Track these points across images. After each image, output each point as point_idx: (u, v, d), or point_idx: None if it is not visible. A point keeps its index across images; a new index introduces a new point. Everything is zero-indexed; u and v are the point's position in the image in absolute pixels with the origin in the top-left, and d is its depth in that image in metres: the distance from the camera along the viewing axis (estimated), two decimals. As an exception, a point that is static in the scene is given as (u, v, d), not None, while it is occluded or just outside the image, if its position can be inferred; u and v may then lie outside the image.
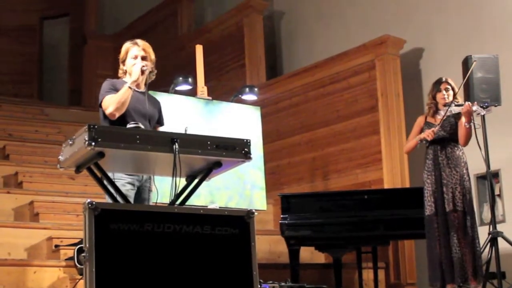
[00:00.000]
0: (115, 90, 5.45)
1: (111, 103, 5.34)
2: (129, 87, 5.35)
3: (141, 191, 5.55)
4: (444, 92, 7.15)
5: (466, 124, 6.89)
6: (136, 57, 5.58)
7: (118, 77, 5.75)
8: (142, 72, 5.45)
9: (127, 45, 5.69)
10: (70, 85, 15.58)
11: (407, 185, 8.91)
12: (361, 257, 8.37)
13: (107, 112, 5.35)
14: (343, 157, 9.73)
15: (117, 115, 5.33)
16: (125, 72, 5.69)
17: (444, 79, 7.22)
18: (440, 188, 6.97)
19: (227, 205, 7.46)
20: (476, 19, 9.10)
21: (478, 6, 9.12)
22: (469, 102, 6.87)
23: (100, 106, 5.45)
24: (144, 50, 5.63)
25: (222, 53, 11.92)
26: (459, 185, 6.92)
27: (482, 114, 6.93)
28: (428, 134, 7.02)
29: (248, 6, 11.59)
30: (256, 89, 8.61)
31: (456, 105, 6.99)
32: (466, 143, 7.00)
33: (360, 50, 9.68)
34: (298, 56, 11.76)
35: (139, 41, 5.69)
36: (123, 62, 5.68)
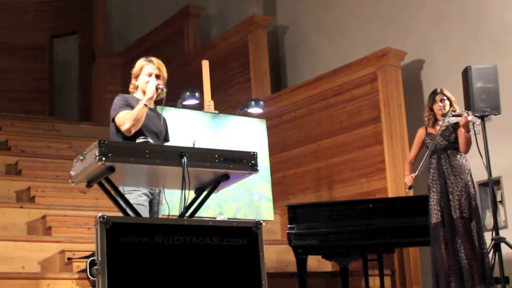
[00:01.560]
0: (128, 105, 5.45)
1: (127, 119, 5.33)
2: (145, 105, 5.34)
3: (152, 204, 5.54)
4: (439, 103, 7.16)
5: (466, 134, 6.91)
6: (150, 75, 5.58)
7: (128, 92, 5.75)
8: (157, 89, 5.43)
9: (141, 62, 5.68)
10: (80, 101, 15.61)
11: (411, 193, 8.88)
12: (367, 264, 8.33)
13: (123, 128, 5.33)
14: (347, 167, 9.71)
15: (133, 131, 5.33)
16: (136, 88, 5.68)
17: (439, 90, 7.24)
18: (446, 196, 6.96)
19: (236, 216, 7.44)
20: (474, 31, 9.10)
21: (476, 18, 9.12)
22: (466, 113, 6.86)
23: (113, 120, 5.45)
24: (158, 68, 5.63)
25: (228, 68, 11.92)
26: (465, 193, 6.91)
27: (477, 123, 6.91)
28: (408, 180, 7.22)
29: (252, 22, 11.61)
30: (261, 102, 8.59)
31: (453, 115, 6.98)
32: (467, 151, 7.03)
33: (362, 62, 9.68)
34: (301, 70, 11.76)
35: (154, 59, 5.68)
36: (136, 77, 5.67)
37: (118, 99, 5.56)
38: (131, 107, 5.44)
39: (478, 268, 6.75)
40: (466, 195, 6.91)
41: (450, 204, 6.92)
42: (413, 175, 7.16)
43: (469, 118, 6.84)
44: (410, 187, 7.25)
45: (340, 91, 9.98)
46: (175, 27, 13.65)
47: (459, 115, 6.94)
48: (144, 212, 5.32)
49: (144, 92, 5.56)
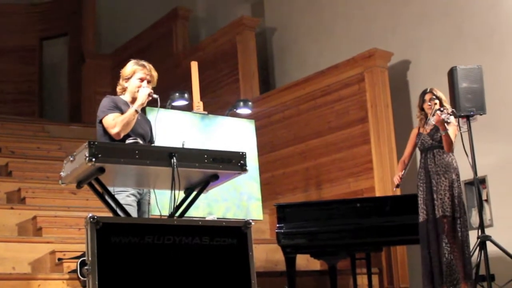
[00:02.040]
0: (116, 108, 5.44)
1: (117, 123, 5.34)
2: (136, 110, 5.34)
3: (141, 204, 5.55)
4: (428, 102, 7.18)
5: (442, 132, 6.94)
6: (142, 80, 5.58)
7: (116, 94, 5.74)
8: (148, 96, 5.42)
9: (134, 66, 5.66)
10: (70, 102, 15.59)
11: (398, 192, 8.90)
12: (355, 263, 8.36)
13: (113, 131, 5.33)
14: (335, 167, 9.73)
15: (122, 135, 5.33)
16: (124, 89, 5.67)
17: (428, 90, 7.27)
18: (430, 195, 7.00)
19: (225, 216, 7.43)
20: (458, 31, 9.14)
21: (461, 19, 9.15)
22: (439, 112, 6.87)
23: (100, 122, 5.44)
24: (150, 73, 5.63)
25: (217, 69, 11.92)
26: (448, 191, 6.94)
27: (449, 121, 6.91)
28: (395, 179, 7.31)
29: (241, 23, 11.62)
30: (250, 103, 8.60)
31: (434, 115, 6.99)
32: (449, 149, 7.02)
33: (349, 63, 9.71)
34: (289, 71, 11.78)
35: (146, 64, 5.69)
36: (126, 79, 5.65)
37: (106, 101, 5.55)
38: (120, 109, 5.44)
39: (462, 266, 6.79)
40: (450, 194, 6.93)
41: (434, 203, 6.96)
42: (400, 174, 7.20)
43: (442, 116, 6.84)
44: (397, 186, 7.29)
45: (328, 91, 10.00)
46: (164, 29, 13.65)
47: (451, 114, 6.95)
48: (133, 212, 5.32)
49: (133, 96, 5.56)
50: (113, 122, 5.36)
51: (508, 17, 8.65)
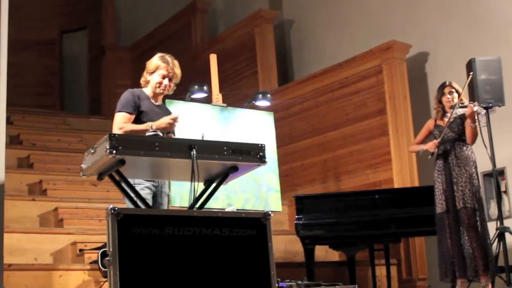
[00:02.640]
0: (135, 104, 5.43)
1: (125, 128, 5.35)
2: (149, 128, 5.31)
3: (157, 196, 5.55)
4: (448, 95, 7.16)
5: (471, 124, 6.91)
6: (164, 77, 5.58)
7: (139, 85, 5.74)
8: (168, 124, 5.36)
9: (158, 61, 5.66)
10: (90, 95, 15.63)
11: (416, 184, 8.90)
12: (374, 254, 8.36)
13: (115, 131, 5.35)
14: (353, 159, 9.72)
15: None
16: (147, 82, 5.67)
17: (447, 83, 7.23)
18: (450, 186, 6.97)
19: (244, 208, 7.44)
20: (478, 24, 9.09)
21: (480, 12, 9.10)
22: (472, 104, 6.86)
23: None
24: (173, 69, 5.63)
25: (235, 62, 11.92)
26: (469, 183, 6.92)
27: (482, 113, 6.90)
28: (430, 146, 7.14)
29: (259, 16, 11.61)
30: (268, 95, 8.59)
31: (461, 107, 6.99)
32: (473, 141, 7.03)
33: (367, 55, 9.68)
34: (308, 63, 11.76)
35: (170, 59, 5.68)
36: (150, 73, 5.66)
37: (126, 95, 5.57)
38: (136, 106, 5.44)
39: (482, 257, 6.77)
40: (470, 186, 6.92)
41: (454, 195, 6.93)
42: (435, 141, 7.10)
43: (475, 108, 6.84)
44: (432, 154, 7.15)
45: (346, 83, 9.98)
46: (183, 21, 13.65)
47: (466, 107, 6.94)
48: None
49: (154, 91, 5.58)
50: (121, 123, 5.40)
51: (526, 9, 8.61)
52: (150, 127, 5.30)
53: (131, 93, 5.57)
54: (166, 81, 5.60)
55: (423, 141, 7.38)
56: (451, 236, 6.90)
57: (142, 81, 5.74)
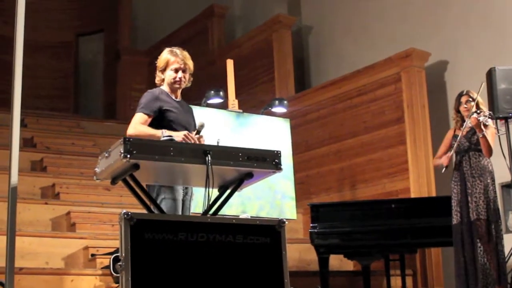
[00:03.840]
0: (155, 106, 5.42)
1: (140, 131, 5.26)
2: (163, 136, 5.23)
3: (185, 201, 5.49)
4: (465, 104, 7.12)
5: (479, 134, 6.86)
6: (177, 71, 5.55)
7: (155, 86, 5.71)
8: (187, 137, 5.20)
9: (167, 55, 5.58)
10: (105, 99, 15.68)
11: (433, 194, 8.89)
12: (389, 264, 8.34)
13: (128, 131, 5.30)
14: (370, 167, 9.72)
15: None
16: (162, 80, 5.62)
17: (465, 92, 7.20)
18: (465, 197, 6.95)
19: (258, 215, 7.46)
20: (499, 33, 9.07)
21: (501, 20, 9.09)
22: (476, 114, 6.81)
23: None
24: (184, 61, 5.59)
25: (252, 67, 11.94)
26: (483, 195, 6.88)
27: (488, 123, 6.85)
28: (443, 161, 7.11)
29: (277, 21, 11.63)
30: (285, 102, 8.61)
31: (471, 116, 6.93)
32: (488, 153, 6.92)
33: (386, 63, 9.68)
34: (325, 69, 11.77)
35: (179, 52, 5.58)
36: (162, 71, 5.62)
37: (147, 97, 5.49)
38: (159, 107, 5.41)
39: (496, 269, 6.75)
40: (485, 197, 6.88)
41: (468, 206, 6.91)
42: (449, 154, 7.09)
43: (480, 118, 6.77)
44: (446, 167, 7.13)
45: (364, 91, 9.98)
46: (200, 26, 13.69)
47: (487, 116, 6.90)
48: (178, 208, 5.31)
49: (171, 88, 5.55)
50: (136, 124, 5.34)
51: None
52: (161, 136, 5.12)
53: (151, 94, 5.49)
54: (180, 74, 5.51)
55: (446, 153, 7.32)
56: (464, 247, 6.89)
57: (157, 80, 5.67)
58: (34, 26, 14.62)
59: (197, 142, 5.09)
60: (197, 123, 5.39)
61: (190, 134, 5.14)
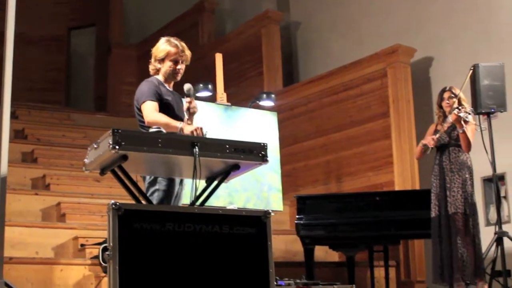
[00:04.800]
0: (157, 94, 5.39)
1: (159, 121, 5.15)
2: (179, 127, 5.14)
3: (178, 193, 5.50)
4: (447, 100, 7.16)
5: (459, 130, 6.89)
6: (177, 63, 5.53)
7: (148, 75, 5.66)
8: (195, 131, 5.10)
9: (167, 46, 5.55)
10: (96, 92, 15.65)
11: (417, 187, 8.93)
12: (373, 255, 8.39)
13: (146, 119, 5.26)
14: (356, 161, 9.75)
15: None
16: (158, 70, 5.58)
17: (447, 88, 7.25)
18: (443, 191, 7.01)
19: (245, 206, 7.48)
20: (483, 29, 9.10)
21: (485, 17, 9.12)
22: (456, 110, 6.84)
23: (140, 106, 5.38)
24: (184, 53, 5.57)
25: (241, 62, 11.95)
26: (461, 189, 6.94)
27: (468, 119, 6.88)
28: (429, 141, 7.12)
29: (266, 17, 11.64)
30: (273, 96, 8.64)
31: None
32: (466, 147, 6.97)
33: (372, 58, 9.71)
34: (313, 64, 11.78)
35: (179, 43, 5.57)
36: (160, 61, 5.57)
37: (148, 85, 5.45)
38: (161, 95, 5.41)
39: (473, 262, 6.80)
40: (463, 191, 6.94)
41: (447, 200, 6.96)
42: (434, 136, 7.10)
43: (461, 114, 6.80)
44: (431, 149, 7.10)
45: (351, 86, 10.01)
46: (190, 21, 13.68)
47: (469, 113, 6.93)
48: (170, 200, 5.32)
49: (166, 78, 5.54)
50: (155, 113, 5.29)
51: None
52: (180, 129, 5.12)
53: (151, 83, 5.47)
54: (179, 65, 5.52)
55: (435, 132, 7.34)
56: (442, 240, 6.94)
57: (151, 69, 5.62)
58: (26, 20, 14.58)
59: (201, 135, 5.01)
60: (185, 87, 5.39)
61: (201, 129, 5.06)
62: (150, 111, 5.30)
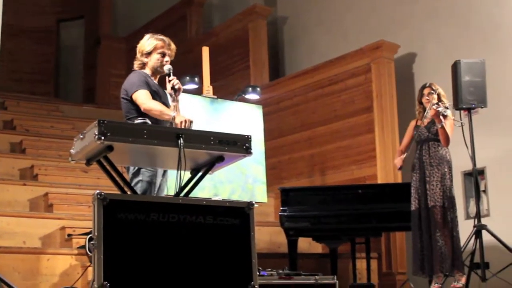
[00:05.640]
0: (147, 84, 5.45)
1: (153, 107, 5.30)
2: (172, 116, 5.22)
3: (161, 184, 5.55)
4: (427, 96, 7.21)
5: (438, 125, 6.96)
6: (164, 55, 5.58)
7: (133, 70, 5.69)
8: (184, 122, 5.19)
9: (154, 41, 5.63)
10: (84, 84, 15.62)
11: (399, 180, 8.96)
12: (355, 247, 8.41)
13: (144, 106, 5.32)
14: (340, 154, 9.78)
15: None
16: (144, 64, 5.64)
17: (427, 84, 7.30)
18: (423, 185, 7.08)
19: (230, 198, 7.50)
20: (465, 26, 9.15)
21: (467, 15, 9.17)
22: (435, 105, 6.91)
23: (131, 96, 5.42)
24: (169, 47, 5.65)
25: (229, 55, 11.95)
26: (440, 183, 7.01)
27: (446, 114, 6.95)
28: (397, 162, 7.35)
29: (253, 11, 11.64)
30: (258, 89, 8.67)
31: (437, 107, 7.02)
32: (445, 142, 7.04)
33: (357, 54, 9.73)
34: (299, 59, 11.80)
35: (165, 38, 5.67)
36: (147, 55, 5.62)
37: (137, 76, 5.52)
38: (150, 86, 5.44)
39: (450, 254, 6.85)
40: (442, 185, 7.00)
41: (426, 193, 7.02)
42: (402, 156, 7.27)
43: (439, 109, 6.88)
44: (400, 168, 7.31)
45: (335, 80, 10.03)
46: (179, 14, 13.67)
47: (447, 108, 7.00)
48: (153, 191, 5.36)
49: (154, 71, 5.58)
50: (151, 101, 5.36)
51: (512, 14, 8.68)
52: (172, 118, 5.21)
53: (140, 74, 5.54)
54: (167, 58, 5.60)
55: (410, 143, 7.39)
56: (422, 232, 7.00)
57: (137, 65, 5.67)
58: (16, 11, 14.55)
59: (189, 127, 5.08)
60: (165, 68, 5.51)
61: (190, 122, 5.14)
62: (146, 99, 5.37)
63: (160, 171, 5.42)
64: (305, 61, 11.35)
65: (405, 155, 7.24)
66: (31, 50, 15.33)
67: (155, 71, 5.63)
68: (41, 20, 15.61)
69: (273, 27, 12.33)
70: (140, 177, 5.31)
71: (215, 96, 7.89)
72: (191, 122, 5.13)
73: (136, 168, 5.30)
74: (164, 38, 5.67)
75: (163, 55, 5.61)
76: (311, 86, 10.40)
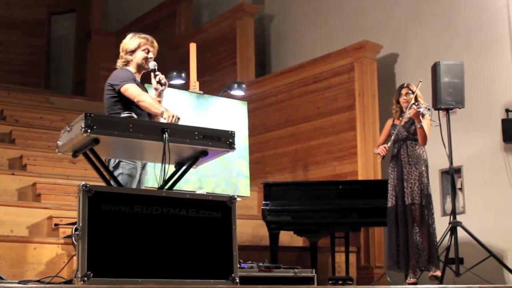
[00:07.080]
0: (134, 79, 5.48)
1: (146, 99, 5.34)
2: (161, 110, 5.24)
3: (141, 175, 5.57)
4: (404, 96, 7.26)
5: (417, 124, 7.01)
6: (148, 52, 5.61)
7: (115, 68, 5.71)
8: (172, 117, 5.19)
9: (138, 39, 5.66)
10: (74, 76, 15.61)
11: (379, 177, 9.00)
12: (335, 241, 8.42)
13: (136, 98, 5.34)
14: (322, 150, 9.81)
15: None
16: (128, 62, 5.66)
17: (405, 85, 7.35)
18: (401, 183, 7.11)
19: (214, 191, 7.50)
20: (445, 29, 9.20)
21: (448, 17, 9.21)
22: (415, 105, 6.95)
23: (118, 90, 5.43)
24: (153, 44, 5.68)
25: (216, 52, 11.96)
26: (418, 181, 7.05)
27: (426, 114, 6.99)
28: (380, 151, 7.26)
29: (241, 9, 11.65)
30: (243, 86, 8.68)
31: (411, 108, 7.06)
32: (422, 141, 7.12)
33: (341, 53, 9.76)
34: (285, 57, 11.81)
35: (148, 36, 5.70)
36: (131, 53, 5.65)
37: (124, 72, 5.55)
38: (135, 81, 5.47)
39: (428, 250, 6.90)
40: (419, 183, 7.05)
41: (404, 191, 7.06)
42: (386, 145, 7.23)
43: (420, 110, 6.92)
44: (383, 157, 7.30)
45: (320, 79, 10.06)
46: (168, 10, 13.66)
47: (428, 108, 7.05)
48: (133, 184, 5.39)
49: (138, 68, 5.60)
50: (144, 94, 5.40)
51: (491, 18, 8.71)
52: (161, 112, 5.22)
53: (126, 71, 5.58)
54: (151, 55, 5.63)
55: (386, 141, 7.42)
56: (398, 229, 7.04)
57: (121, 63, 5.70)
58: (8, 3, 14.52)
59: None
60: (150, 64, 5.55)
61: (178, 119, 5.15)
62: (137, 92, 5.40)
63: (139, 164, 5.45)
64: (291, 58, 11.36)
65: (389, 144, 7.20)
66: (22, 41, 15.31)
67: (140, 68, 5.66)
68: (33, 13, 15.59)
69: (260, 24, 12.34)
70: (120, 170, 5.34)
71: (202, 92, 7.89)
72: (178, 118, 5.14)
73: (117, 161, 5.32)
74: (148, 36, 5.71)
75: (147, 52, 5.63)
76: (295, 83, 10.43)
